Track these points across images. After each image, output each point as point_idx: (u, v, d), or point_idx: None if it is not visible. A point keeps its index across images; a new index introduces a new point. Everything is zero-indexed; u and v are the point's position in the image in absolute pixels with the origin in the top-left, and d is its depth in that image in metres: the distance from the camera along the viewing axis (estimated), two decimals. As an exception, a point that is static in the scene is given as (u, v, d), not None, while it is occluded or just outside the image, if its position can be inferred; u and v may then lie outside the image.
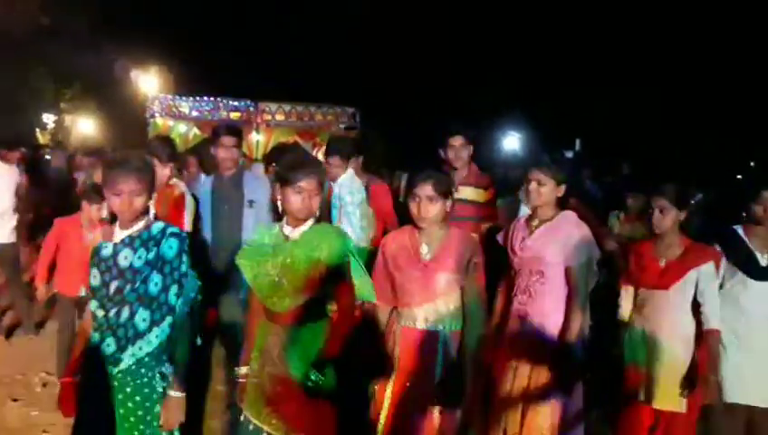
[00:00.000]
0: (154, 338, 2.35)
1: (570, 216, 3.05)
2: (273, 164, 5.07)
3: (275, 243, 2.55)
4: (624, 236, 4.75)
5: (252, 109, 15.19)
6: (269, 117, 14.62)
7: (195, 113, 15.13)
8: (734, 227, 3.36)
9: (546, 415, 2.92)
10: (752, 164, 17.33)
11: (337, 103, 14.92)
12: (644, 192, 4.53)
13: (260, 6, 25.40)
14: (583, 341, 3.03)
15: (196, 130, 15.05)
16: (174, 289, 2.36)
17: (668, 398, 3.04)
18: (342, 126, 14.31)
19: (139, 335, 2.33)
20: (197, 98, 15.23)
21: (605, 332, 3.50)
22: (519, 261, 3.09)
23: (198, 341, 2.57)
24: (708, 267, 3.06)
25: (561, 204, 3.08)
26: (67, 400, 2.61)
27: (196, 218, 3.79)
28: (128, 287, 2.34)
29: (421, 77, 22.60)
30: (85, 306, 2.62)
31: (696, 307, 3.07)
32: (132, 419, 2.35)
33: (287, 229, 2.55)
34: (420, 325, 2.76)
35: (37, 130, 23.54)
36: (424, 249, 2.78)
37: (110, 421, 2.37)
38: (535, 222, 3.08)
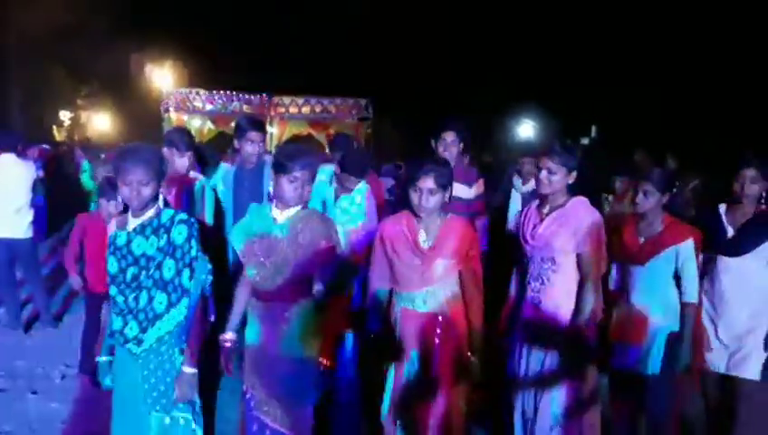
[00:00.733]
0: (172, 318, 2.51)
1: (580, 202, 3.02)
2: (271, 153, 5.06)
3: (263, 224, 2.67)
4: (617, 215, 4.92)
5: (265, 102, 15.18)
6: (282, 109, 14.68)
7: (209, 107, 15.20)
8: (719, 205, 3.42)
9: (560, 401, 2.94)
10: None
11: (350, 95, 14.86)
12: (630, 175, 5.12)
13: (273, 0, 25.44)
14: (597, 326, 3.03)
15: (210, 125, 15.15)
16: (186, 273, 2.51)
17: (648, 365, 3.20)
18: (355, 117, 14.26)
19: (158, 317, 2.50)
20: (212, 92, 15.31)
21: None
22: (531, 249, 3.09)
23: (212, 318, 2.72)
24: (687, 244, 3.17)
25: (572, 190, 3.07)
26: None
27: (217, 210, 3.85)
28: (143, 274, 2.50)
29: (435, 65, 22.52)
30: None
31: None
32: (155, 393, 2.54)
33: (275, 212, 2.67)
34: (420, 308, 2.85)
35: (53, 126, 23.83)
36: (422, 236, 2.86)
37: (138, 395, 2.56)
38: (546, 209, 3.06)
